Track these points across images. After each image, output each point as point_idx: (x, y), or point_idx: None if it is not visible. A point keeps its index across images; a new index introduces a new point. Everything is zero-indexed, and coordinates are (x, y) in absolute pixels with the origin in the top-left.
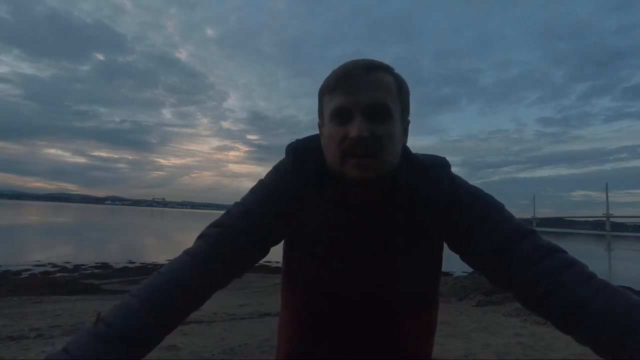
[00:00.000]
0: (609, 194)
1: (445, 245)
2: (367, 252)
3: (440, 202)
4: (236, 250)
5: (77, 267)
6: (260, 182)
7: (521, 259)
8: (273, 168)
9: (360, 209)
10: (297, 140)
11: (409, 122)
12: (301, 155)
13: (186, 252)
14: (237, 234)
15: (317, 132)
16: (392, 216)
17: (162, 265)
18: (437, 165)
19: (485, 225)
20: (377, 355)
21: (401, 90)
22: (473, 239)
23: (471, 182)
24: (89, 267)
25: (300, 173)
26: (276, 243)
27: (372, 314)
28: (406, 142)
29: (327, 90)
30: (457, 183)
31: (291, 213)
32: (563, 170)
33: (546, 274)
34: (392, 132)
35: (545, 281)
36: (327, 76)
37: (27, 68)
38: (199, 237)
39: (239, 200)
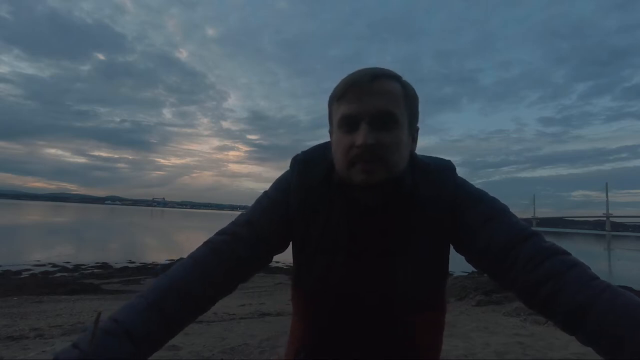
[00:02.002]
0: (609, 194)
1: (451, 246)
2: (373, 256)
3: (446, 205)
4: (237, 258)
5: (77, 267)
6: (264, 193)
7: (525, 261)
8: (276, 180)
9: (366, 214)
10: (303, 152)
11: (418, 129)
12: (306, 167)
13: (190, 256)
14: (238, 242)
15: (323, 140)
16: (398, 220)
17: (162, 265)
18: (442, 169)
19: (489, 227)
20: (385, 355)
21: (408, 98)
22: (478, 241)
23: (471, 182)
24: (89, 267)
25: (304, 185)
26: (278, 252)
27: (379, 315)
28: (414, 149)
29: (336, 98)
30: (462, 186)
31: (294, 223)
32: (563, 170)
33: (549, 275)
34: (398, 140)
35: (549, 283)
36: (337, 84)
37: (27, 68)
38: (204, 243)
39: (241, 203)
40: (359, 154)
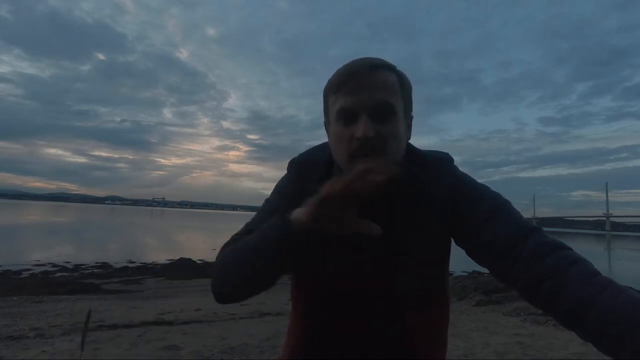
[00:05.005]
0: (609, 193)
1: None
2: (373, 250)
3: (445, 198)
4: None
5: (77, 267)
6: (266, 201)
7: (527, 257)
8: (275, 186)
9: (364, 208)
10: (300, 155)
11: (412, 118)
12: (304, 168)
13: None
14: None
15: (323, 140)
16: (397, 213)
17: (162, 265)
18: (440, 161)
19: (491, 225)
20: (386, 352)
21: (404, 87)
22: (480, 236)
23: None
24: (89, 267)
25: (303, 185)
26: None
27: (380, 313)
28: (410, 138)
29: (332, 90)
30: (463, 179)
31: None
32: (563, 170)
33: (550, 273)
34: (397, 131)
35: (550, 281)
36: (332, 76)
37: (27, 67)
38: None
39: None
40: (360, 147)
